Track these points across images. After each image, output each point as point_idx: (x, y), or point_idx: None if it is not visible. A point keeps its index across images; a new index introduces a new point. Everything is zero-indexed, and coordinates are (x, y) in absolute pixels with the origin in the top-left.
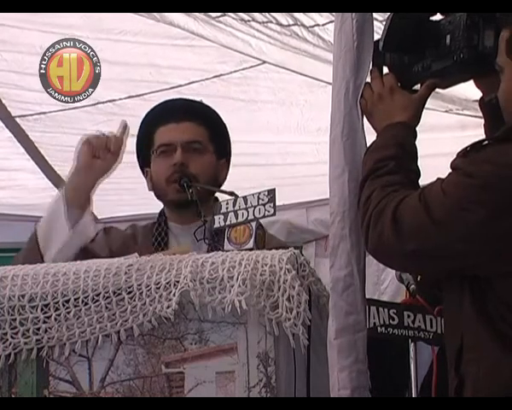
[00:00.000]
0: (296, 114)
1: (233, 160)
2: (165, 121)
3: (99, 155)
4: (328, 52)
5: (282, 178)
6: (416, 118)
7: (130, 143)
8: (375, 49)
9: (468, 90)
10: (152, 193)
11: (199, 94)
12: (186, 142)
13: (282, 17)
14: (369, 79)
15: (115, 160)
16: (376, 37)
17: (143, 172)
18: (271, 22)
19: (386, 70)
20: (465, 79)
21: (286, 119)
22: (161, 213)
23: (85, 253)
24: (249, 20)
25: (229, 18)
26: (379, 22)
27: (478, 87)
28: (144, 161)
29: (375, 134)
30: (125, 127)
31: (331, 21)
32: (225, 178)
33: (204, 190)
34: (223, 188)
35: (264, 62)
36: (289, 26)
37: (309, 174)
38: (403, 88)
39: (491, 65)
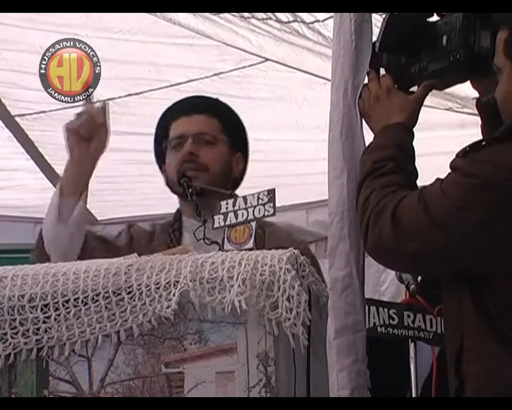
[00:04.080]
0: (295, 112)
1: None
2: (176, 116)
3: (89, 135)
4: (329, 48)
5: (280, 176)
6: (413, 119)
7: (128, 141)
8: (372, 51)
9: (468, 87)
10: (151, 193)
11: (198, 92)
12: (197, 133)
13: (281, 14)
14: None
15: (106, 131)
16: (375, 38)
17: (161, 170)
18: (271, 19)
19: (383, 71)
20: (462, 80)
21: (285, 116)
22: (178, 209)
23: (108, 247)
24: (249, 17)
25: (229, 15)
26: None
27: (475, 88)
28: (160, 158)
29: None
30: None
31: (331, 17)
32: (243, 172)
33: (215, 183)
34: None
35: (266, 60)
36: (289, 22)
37: (308, 172)
38: (400, 89)
39: (487, 65)
